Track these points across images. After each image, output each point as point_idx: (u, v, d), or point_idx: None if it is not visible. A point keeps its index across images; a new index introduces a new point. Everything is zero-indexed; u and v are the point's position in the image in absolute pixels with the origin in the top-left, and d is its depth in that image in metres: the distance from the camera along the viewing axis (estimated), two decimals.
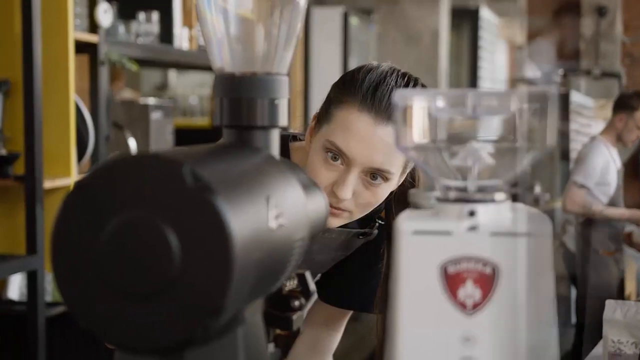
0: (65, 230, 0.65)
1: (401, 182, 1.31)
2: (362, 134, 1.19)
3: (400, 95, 0.73)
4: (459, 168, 0.75)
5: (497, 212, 0.72)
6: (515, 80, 9.76)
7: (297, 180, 0.83)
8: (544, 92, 0.71)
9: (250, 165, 0.76)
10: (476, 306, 0.69)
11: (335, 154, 1.21)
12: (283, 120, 0.85)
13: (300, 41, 4.67)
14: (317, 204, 0.89)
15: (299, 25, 0.87)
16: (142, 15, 3.07)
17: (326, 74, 5.02)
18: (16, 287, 2.65)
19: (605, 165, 4.14)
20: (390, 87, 1.23)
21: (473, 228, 0.70)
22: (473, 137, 0.75)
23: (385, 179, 1.22)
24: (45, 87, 2.47)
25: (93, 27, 2.71)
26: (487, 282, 0.69)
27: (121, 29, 2.98)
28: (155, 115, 3.07)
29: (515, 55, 9.96)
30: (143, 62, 3.22)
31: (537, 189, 6.49)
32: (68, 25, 2.51)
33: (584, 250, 4.33)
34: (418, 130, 0.74)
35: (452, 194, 0.73)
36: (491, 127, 0.76)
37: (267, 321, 0.80)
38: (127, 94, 4.17)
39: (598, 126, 8.59)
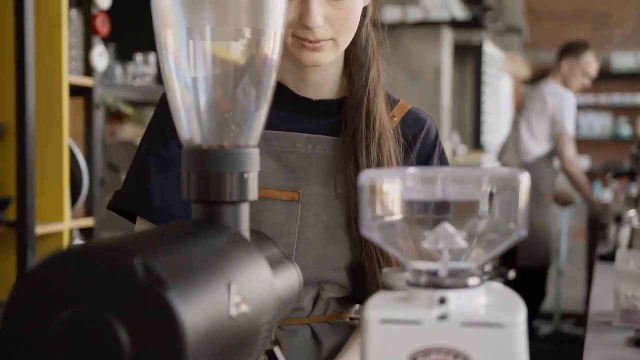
0: (14, 322, 0.63)
1: None
2: None
3: (366, 177, 0.70)
4: (431, 250, 0.72)
5: (469, 299, 0.69)
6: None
7: (265, 259, 0.80)
8: (515, 176, 0.68)
9: (213, 248, 0.73)
10: None
11: None
12: (253, 195, 0.82)
13: None
14: (288, 279, 0.86)
15: (269, 95, 0.85)
16: (139, 57, 3.07)
17: None
18: None
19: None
20: None
21: (443, 317, 0.67)
22: (444, 218, 0.72)
23: None
24: (39, 131, 2.45)
25: (89, 70, 2.70)
26: None
27: (118, 70, 2.97)
28: None
29: (520, 88, 9.99)
30: (140, 103, 3.21)
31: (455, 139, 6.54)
32: (63, 69, 2.50)
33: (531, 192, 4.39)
34: (385, 212, 0.71)
35: (423, 279, 0.70)
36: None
37: None
38: (129, 130, 4.16)
39: (506, 78, 8.69)
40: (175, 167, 1.18)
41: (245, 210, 0.82)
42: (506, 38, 9.27)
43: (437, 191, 0.70)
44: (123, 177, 2.97)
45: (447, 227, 0.71)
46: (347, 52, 1.23)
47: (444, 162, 1.29)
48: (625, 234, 2.91)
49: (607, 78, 10.14)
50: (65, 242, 2.55)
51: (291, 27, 1.14)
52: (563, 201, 4.83)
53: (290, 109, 1.25)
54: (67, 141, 2.53)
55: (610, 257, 2.90)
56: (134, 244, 0.64)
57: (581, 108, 10.30)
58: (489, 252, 0.71)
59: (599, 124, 10.32)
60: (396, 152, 1.21)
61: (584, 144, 10.37)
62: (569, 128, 4.24)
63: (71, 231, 2.65)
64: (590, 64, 4.38)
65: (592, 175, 10.23)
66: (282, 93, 1.25)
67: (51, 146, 2.50)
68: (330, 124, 1.24)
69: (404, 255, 0.72)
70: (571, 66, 4.33)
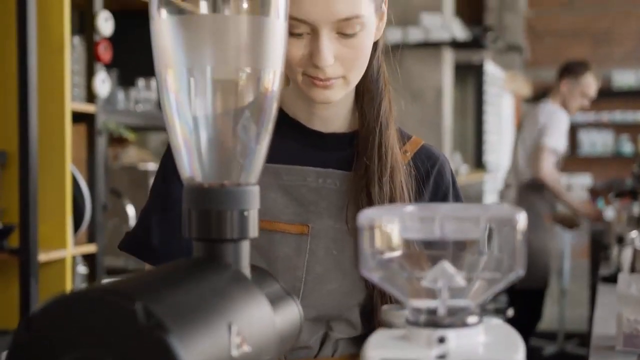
0: None
1: (383, 25, 1.23)
2: None
3: (365, 216, 0.71)
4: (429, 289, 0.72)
5: (468, 337, 0.69)
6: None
7: (266, 296, 0.80)
8: (511, 215, 0.68)
9: (213, 288, 0.73)
10: None
11: (297, 26, 1.12)
12: (254, 232, 0.83)
13: None
14: (289, 315, 0.86)
15: (269, 131, 0.85)
16: (141, 82, 3.08)
17: None
18: None
19: (566, 130, 4.29)
20: None
21: (443, 357, 0.68)
22: (443, 256, 0.73)
23: (360, 26, 1.13)
24: (42, 158, 2.46)
25: (91, 96, 2.71)
26: None
27: (120, 95, 2.98)
28: None
29: (522, 106, 10.01)
30: (143, 128, 3.22)
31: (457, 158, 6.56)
32: (65, 95, 2.51)
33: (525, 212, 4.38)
34: (384, 250, 0.72)
35: (422, 317, 0.71)
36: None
37: None
38: (132, 152, 4.17)
39: (507, 97, 8.72)
40: (178, 207, 1.20)
41: (245, 247, 0.83)
42: (507, 56, 9.30)
43: (435, 230, 0.70)
44: (125, 202, 2.99)
45: (446, 266, 0.71)
46: (358, 84, 1.22)
47: (459, 201, 1.27)
48: (627, 255, 2.90)
49: (608, 95, 10.16)
50: (68, 269, 2.55)
51: (301, 65, 1.14)
52: (567, 224, 4.82)
53: (301, 142, 1.24)
54: (70, 167, 2.54)
55: (612, 279, 2.89)
56: (135, 288, 0.64)
57: (582, 125, 10.32)
58: (488, 290, 0.72)
59: (601, 142, 10.33)
60: (408, 186, 1.20)
61: (585, 162, 10.38)
62: (550, 142, 4.23)
63: (74, 257, 2.65)
64: (590, 85, 4.38)
65: (594, 192, 10.22)
66: (293, 126, 1.25)
67: (54, 173, 2.51)
68: (341, 157, 1.23)
69: (402, 293, 0.72)
70: (570, 87, 4.34)
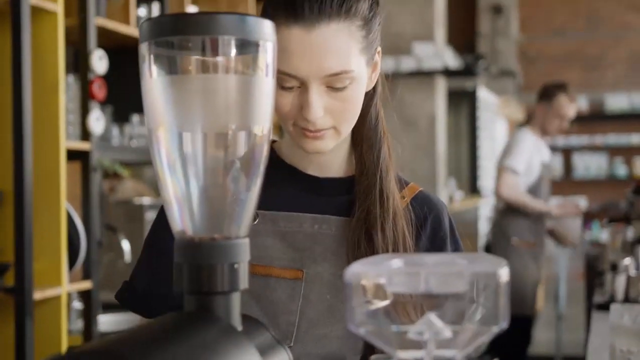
0: None
1: (376, 75, 1.23)
2: (298, 48, 1.10)
3: (351, 273, 0.73)
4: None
5: None
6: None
7: (256, 347, 0.82)
8: (494, 271, 0.70)
9: (203, 344, 0.75)
10: None
11: (287, 80, 1.12)
12: (244, 284, 0.85)
13: None
14: None
15: (258, 184, 0.87)
16: (135, 118, 3.11)
17: None
18: None
19: (531, 151, 4.23)
20: None
21: None
22: (430, 308, 0.74)
23: (350, 80, 1.13)
24: (37, 196, 2.48)
25: (85, 134, 2.73)
26: None
27: (115, 131, 3.01)
28: (150, 215, 3.08)
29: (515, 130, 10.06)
30: (138, 163, 3.24)
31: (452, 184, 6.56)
32: (60, 134, 2.53)
33: (499, 240, 4.34)
34: (371, 304, 0.74)
35: None
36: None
37: None
38: (128, 185, 4.18)
39: (501, 122, 8.76)
40: (168, 260, 1.21)
41: (236, 299, 0.84)
42: (500, 82, 9.37)
43: (421, 284, 0.72)
44: (121, 237, 3.00)
45: (432, 318, 0.73)
46: (356, 131, 1.23)
47: (458, 248, 1.28)
48: (620, 282, 2.91)
49: (601, 119, 10.23)
50: (63, 306, 2.56)
51: (291, 116, 1.15)
52: (558, 239, 4.83)
53: (298, 188, 1.25)
54: (65, 205, 2.56)
55: (606, 306, 2.90)
56: (125, 346, 0.66)
57: (577, 149, 10.37)
58: (473, 341, 0.73)
59: (595, 165, 10.38)
60: (409, 231, 1.21)
61: (580, 185, 10.42)
62: (509, 162, 4.21)
63: (69, 295, 2.66)
64: (562, 106, 4.32)
65: (589, 215, 10.26)
66: (290, 172, 1.26)
67: (49, 211, 2.53)
68: (338, 203, 1.23)
69: (389, 345, 0.74)
70: (544, 110, 4.34)
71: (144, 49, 0.82)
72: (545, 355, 5.99)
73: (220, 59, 0.81)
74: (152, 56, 0.82)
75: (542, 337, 6.68)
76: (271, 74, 0.85)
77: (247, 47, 0.83)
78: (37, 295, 2.44)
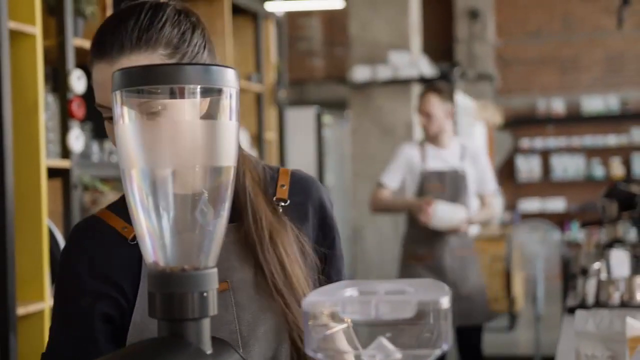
0: None
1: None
2: (104, 80, 1.19)
3: (308, 302, 0.80)
4: None
5: None
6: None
7: None
8: (437, 299, 0.78)
9: None
10: None
11: (104, 111, 1.20)
12: (213, 310, 0.92)
13: (276, 141, 4.78)
14: None
15: (225, 216, 0.94)
16: None
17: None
18: None
19: (407, 164, 4.13)
20: (119, 17, 1.21)
21: None
22: (381, 334, 0.82)
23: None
24: (18, 213, 2.53)
25: (65, 152, 2.79)
26: None
27: (95, 148, 3.06)
28: None
29: (494, 134, 10.19)
30: (118, 179, 3.30)
31: None
32: (40, 152, 2.59)
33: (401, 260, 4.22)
34: (326, 331, 0.81)
35: None
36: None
37: None
38: (110, 198, 4.22)
39: (479, 126, 8.89)
40: (82, 324, 1.22)
41: (206, 324, 0.91)
42: (478, 85, 9.49)
43: (372, 311, 0.80)
44: None
45: (383, 342, 0.81)
46: None
47: (332, 225, 1.36)
48: (591, 285, 2.98)
49: (577, 121, 10.37)
50: (46, 321, 2.62)
51: None
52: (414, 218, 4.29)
53: None
54: (46, 222, 2.62)
55: (577, 309, 2.96)
56: None
57: (554, 151, 10.51)
58: None
59: (573, 166, 10.52)
60: (292, 236, 1.28)
61: (558, 186, 10.55)
62: (381, 177, 4.16)
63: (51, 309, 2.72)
64: (419, 103, 4.18)
65: (568, 216, 10.42)
66: None
67: (30, 228, 2.58)
68: None
69: None
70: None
71: (116, 96, 0.89)
72: (525, 356, 6.09)
73: (186, 105, 0.88)
74: (123, 103, 0.88)
75: (521, 337, 6.79)
76: (235, 117, 0.92)
77: (212, 93, 0.90)
78: (20, 310, 2.50)
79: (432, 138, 4.16)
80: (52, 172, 2.73)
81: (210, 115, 0.90)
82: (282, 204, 1.31)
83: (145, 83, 0.88)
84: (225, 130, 0.91)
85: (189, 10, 1.26)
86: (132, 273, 1.25)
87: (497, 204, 4.24)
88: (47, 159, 2.66)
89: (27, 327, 2.55)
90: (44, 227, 2.59)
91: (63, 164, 2.76)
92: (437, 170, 4.14)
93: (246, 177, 1.30)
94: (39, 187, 2.57)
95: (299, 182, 1.35)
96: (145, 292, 1.23)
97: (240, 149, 1.31)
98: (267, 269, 1.25)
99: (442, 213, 3.97)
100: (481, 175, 4.14)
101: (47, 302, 2.63)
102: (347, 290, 0.82)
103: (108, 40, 1.19)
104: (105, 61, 1.19)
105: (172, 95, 0.89)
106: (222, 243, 1.26)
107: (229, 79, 0.90)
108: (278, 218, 1.29)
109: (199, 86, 0.88)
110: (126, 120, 0.90)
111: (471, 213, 4.10)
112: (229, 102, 0.91)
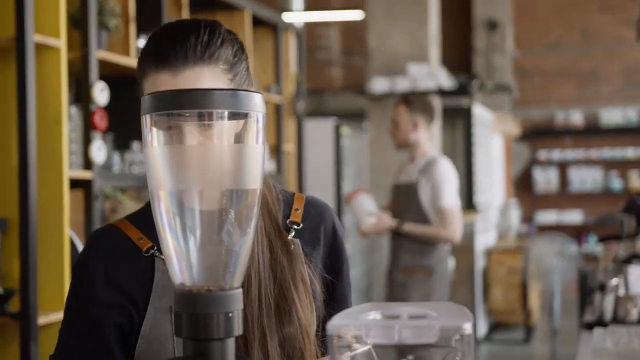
0: None
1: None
2: (162, 89, 1.17)
3: (332, 325, 0.81)
4: None
5: None
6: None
7: None
8: (460, 325, 0.79)
9: None
10: None
11: None
12: (238, 330, 0.93)
13: (294, 152, 4.80)
14: None
15: (251, 237, 0.96)
16: (135, 145, 3.20)
17: (320, 184, 5.15)
18: None
19: None
20: (177, 29, 1.23)
21: None
22: (404, 357, 0.83)
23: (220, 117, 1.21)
24: (41, 224, 2.57)
25: (88, 163, 2.82)
26: None
27: (116, 158, 3.10)
28: None
29: (512, 146, 10.16)
30: (139, 189, 3.34)
31: None
32: (63, 163, 2.62)
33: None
34: (350, 353, 0.83)
35: None
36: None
37: None
38: (129, 206, 4.25)
39: (497, 138, 8.85)
40: (95, 331, 1.21)
41: (231, 344, 0.93)
42: (496, 97, 9.47)
43: (395, 336, 0.81)
44: None
45: None
46: None
47: (341, 253, 1.37)
48: (609, 302, 2.97)
49: (596, 133, 10.33)
50: None
51: None
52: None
53: None
54: (68, 232, 2.65)
55: (595, 326, 2.95)
56: None
57: (572, 162, 10.47)
58: None
59: (591, 178, 10.47)
60: (297, 261, 1.29)
61: (576, 198, 10.51)
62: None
63: None
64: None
65: (585, 228, 10.37)
66: None
67: (52, 238, 2.61)
68: None
69: None
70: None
71: (146, 120, 0.91)
72: None
73: (214, 129, 0.90)
74: (153, 127, 0.91)
75: (536, 351, 6.76)
76: (261, 140, 0.94)
77: (239, 117, 0.92)
78: (42, 320, 2.53)
79: (401, 148, 4.18)
80: (74, 183, 2.76)
81: (238, 138, 0.92)
82: (295, 227, 1.32)
83: (174, 107, 0.91)
84: (252, 153, 0.93)
85: (233, 32, 1.28)
86: (144, 284, 1.26)
87: (456, 223, 3.94)
88: (70, 170, 2.69)
89: (48, 337, 2.58)
90: (66, 237, 2.62)
91: (85, 175, 2.79)
92: (396, 184, 4.16)
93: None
94: (62, 198, 2.61)
95: (312, 207, 1.37)
96: (156, 304, 1.25)
97: None
98: (263, 290, 1.25)
99: (358, 204, 4.01)
100: (434, 190, 3.97)
101: None
102: (371, 314, 0.84)
103: (170, 51, 1.20)
104: (167, 70, 1.20)
105: (201, 119, 0.91)
106: None
107: (256, 103, 0.92)
108: (284, 241, 1.30)
109: (226, 111, 0.90)
110: (155, 143, 0.92)
111: (406, 225, 3.95)
112: (256, 125, 0.93)
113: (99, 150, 2.80)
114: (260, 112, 0.93)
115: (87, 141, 2.81)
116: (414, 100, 4.15)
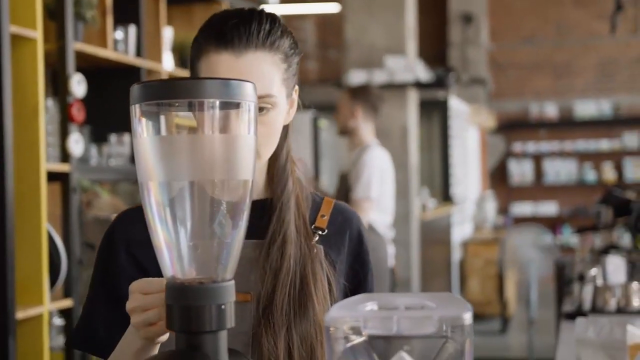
0: None
1: (293, 112, 1.31)
2: (227, 71, 1.19)
3: (330, 317, 0.80)
4: None
5: None
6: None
7: None
8: (459, 316, 0.78)
9: None
10: None
11: None
12: (230, 322, 0.92)
13: None
14: None
15: (242, 232, 0.94)
16: (113, 138, 3.16)
17: None
18: None
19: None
20: (240, 14, 1.24)
21: None
22: (401, 347, 0.82)
23: (271, 105, 1.21)
24: (18, 217, 2.53)
25: (65, 155, 2.79)
26: None
27: (93, 151, 3.06)
28: None
29: (487, 138, 10.21)
30: (116, 182, 3.30)
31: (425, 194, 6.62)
32: (40, 156, 2.59)
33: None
34: (347, 343, 0.81)
35: None
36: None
37: None
38: (105, 200, 4.21)
39: (473, 130, 8.91)
40: (122, 300, 1.25)
41: (223, 336, 0.92)
42: (471, 90, 9.50)
43: (393, 327, 0.80)
44: None
45: (404, 355, 0.81)
46: (270, 163, 1.31)
47: (367, 261, 1.37)
48: (588, 292, 2.98)
49: (570, 125, 10.41)
50: (45, 325, 2.61)
51: None
52: None
53: None
54: (45, 226, 2.61)
55: (574, 316, 2.96)
56: None
57: (547, 155, 10.54)
58: None
59: (565, 170, 10.55)
60: (318, 265, 1.28)
61: (550, 190, 10.58)
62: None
63: (50, 313, 2.72)
64: None
65: (560, 220, 10.45)
66: None
67: (30, 232, 2.58)
68: (257, 226, 1.27)
69: None
70: None
71: (135, 110, 0.89)
72: (518, 359, 6.11)
73: (205, 119, 0.89)
74: (142, 117, 0.89)
75: (514, 341, 6.80)
76: (252, 131, 0.93)
77: (230, 107, 0.90)
78: (20, 314, 2.50)
79: (343, 135, 4.21)
80: (52, 176, 2.73)
81: (229, 128, 0.91)
82: (320, 232, 1.32)
83: (164, 97, 0.89)
84: (244, 143, 0.92)
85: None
86: None
87: (365, 217, 3.79)
88: (47, 163, 2.66)
89: (27, 331, 2.55)
90: (44, 230, 2.59)
91: (62, 167, 2.76)
92: (341, 174, 4.25)
93: (287, 186, 1.30)
94: (39, 191, 2.57)
95: (340, 214, 1.36)
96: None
97: (292, 158, 1.31)
98: (280, 292, 1.23)
99: None
100: (354, 180, 3.98)
101: (46, 306, 2.63)
102: (367, 305, 0.83)
103: (235, 32, 1.20)
104: (229, 52, 1.20)
105: (191, 108, 0.89)
106: (247, 258, 1.25)
107: (248, 93, 0.91)
108: (309, 246, 1.29)
109: (217, 100, 0.89)
110: (144, 133, 0.90)
111: None
112: (248, 115, 0.91)
113: (76, 143, 2.77)
114: (252, 102, 0.92)
115: (64, 134, 2.77)
116: (357, 90, 4.23)
